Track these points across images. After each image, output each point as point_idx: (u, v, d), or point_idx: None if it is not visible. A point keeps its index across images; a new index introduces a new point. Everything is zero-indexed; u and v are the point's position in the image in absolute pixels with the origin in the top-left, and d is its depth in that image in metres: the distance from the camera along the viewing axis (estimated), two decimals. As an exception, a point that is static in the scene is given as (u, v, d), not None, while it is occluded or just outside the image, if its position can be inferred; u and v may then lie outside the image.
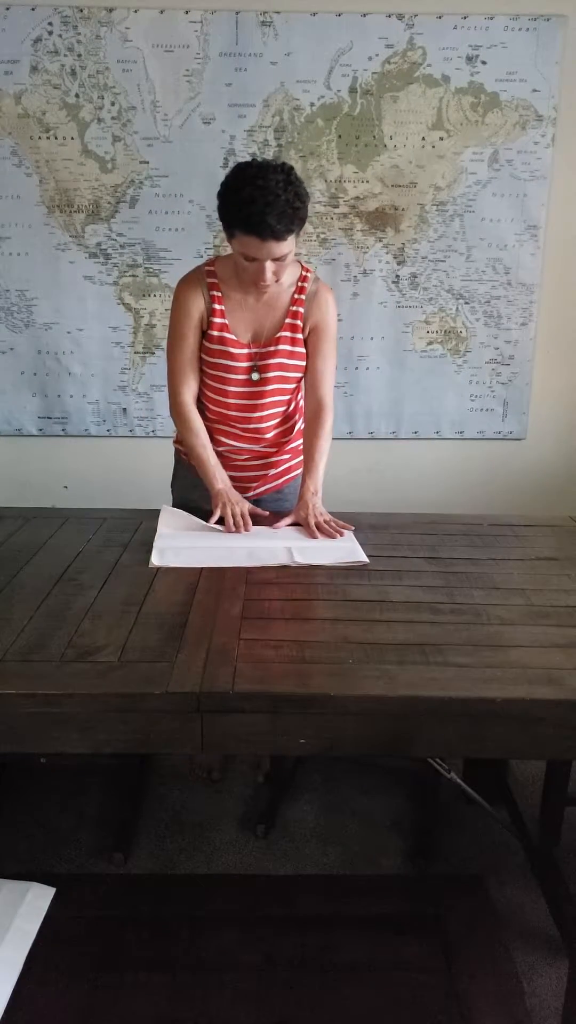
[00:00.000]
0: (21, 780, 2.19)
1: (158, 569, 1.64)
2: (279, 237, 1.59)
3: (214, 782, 2.20)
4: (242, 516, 1.81)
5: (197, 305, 1.80)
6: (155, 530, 1.84)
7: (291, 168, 1.62)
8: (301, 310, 1.81)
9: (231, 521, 1.80)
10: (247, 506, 1.85)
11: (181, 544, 1.75)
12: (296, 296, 1.81)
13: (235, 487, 1.96)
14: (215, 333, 1.81)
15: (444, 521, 1.95)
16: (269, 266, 1.65)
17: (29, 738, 1.24)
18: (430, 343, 2.81)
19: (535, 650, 1.32)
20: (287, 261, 1.67)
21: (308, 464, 1.88)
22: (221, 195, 1.63)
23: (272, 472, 1.99)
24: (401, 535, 1.85)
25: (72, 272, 2.69)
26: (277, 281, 1.71)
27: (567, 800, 1.87)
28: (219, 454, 1.93)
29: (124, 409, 2.85)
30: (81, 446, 2.90)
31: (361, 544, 1.77)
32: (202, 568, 1.64)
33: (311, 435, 1.89)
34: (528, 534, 1.86)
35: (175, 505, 2.01)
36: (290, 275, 1.78)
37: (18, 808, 2.10)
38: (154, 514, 1.97)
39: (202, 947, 1.60)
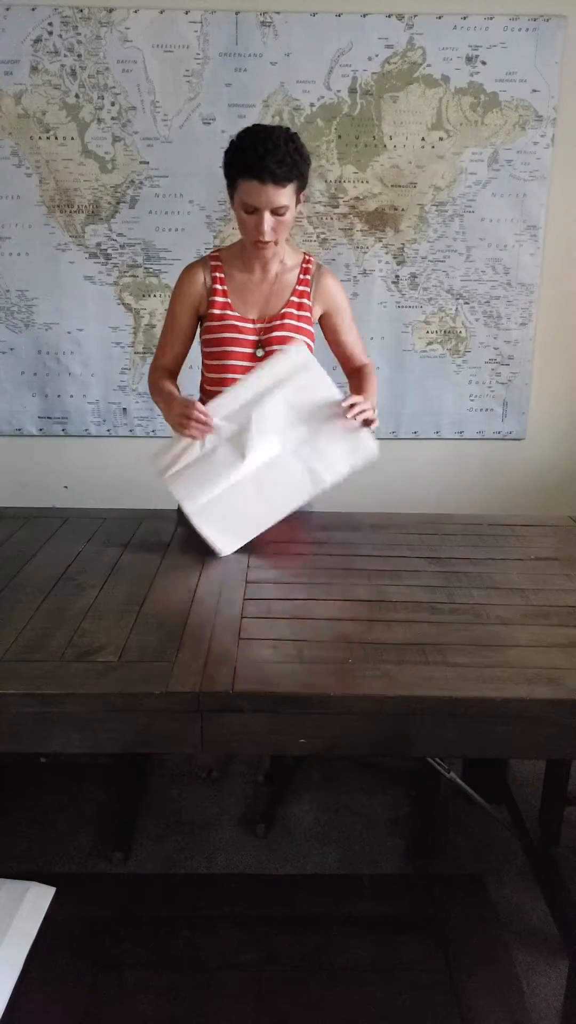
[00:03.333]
0: (21, 780, 2.20)
1: (158, 569, 1.64)
2: (278, 181, 1.63)
3: (214, 781, 2.21)
4: (197, 414, 1.70)
5: (195, 287, 1.84)
6: (155, 530, 1.84)
7: (296, 133, 1.70)
8: (308, 289, 1.86)
9: (195, 426, 1.70)
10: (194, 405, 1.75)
11: (218, 514, 1.72)
12: (302, 277, 1.86)
13: None
14: (217, 311, 1.83)
15: (444, 521, 1.95)
16: (268, 219, 1.67)
17: (29, 738, 1.24)
18: (430, 343, 2.81)
19: (535, 650, 1.32)
20: (286, 219, 1.71)
21: (361, 388, 1.86)
22: (226, 151, 1.70)
23: None
24: (401, 535, 1.85)
25: (72, 272, 2.69)
26: (276, 243, 1.74)
27: (567, 800, 1.87)
28: None
29: (124, 409, 2.85)
30: (81, 446, 2.90)
31: (361, 543, 1.77)
32: (202, 568, 1.64)
33: (359, 378, 1.91)
34: (528, 534, 1.86)
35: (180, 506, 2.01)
36: (293, 258, 1.86)
37: (18, 808, 2.10)
38: (154, 514, 1.97)
39: (202, 947, 1.60)
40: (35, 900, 1.52)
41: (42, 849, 1.97)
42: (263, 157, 1.61)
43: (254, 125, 1.71)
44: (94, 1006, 1.47)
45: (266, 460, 1.72)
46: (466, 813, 2.07)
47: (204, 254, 1.91)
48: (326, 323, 1.92)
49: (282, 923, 1.68)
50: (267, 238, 1.71)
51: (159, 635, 1.36)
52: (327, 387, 1.73)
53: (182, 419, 1.70)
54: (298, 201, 1.73)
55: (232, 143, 1.69)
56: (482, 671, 1.25)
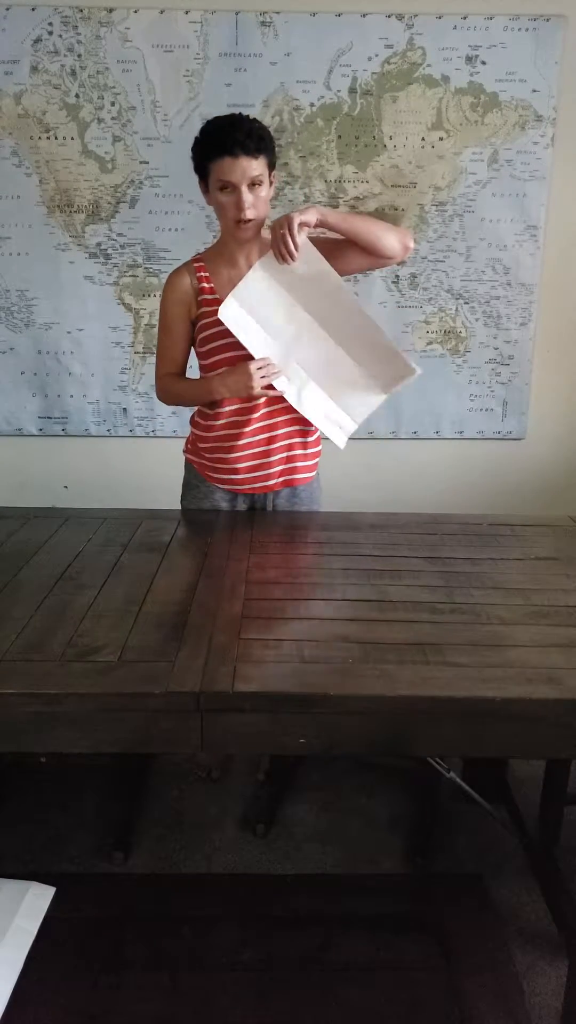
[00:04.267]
0: (21, 780, 2.20)
1: (158, 569, 1.64)
2: (249, 152, 1.67)
3: (214, 781, 2.21)
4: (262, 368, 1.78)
5: (183, 290, 1.85)
6: (155, 530, 1.84)
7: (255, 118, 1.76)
8: None
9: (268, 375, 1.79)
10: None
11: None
12: None
13: (255, 477, 1.96)
14: (208, 308, 1.83)
15: (444, 521, 1.95)
16: (246, 194, 1.70)
17: (29, 738, 1.25)
18: (430, 343, 2.81)
19: (535, 650, 1.32)
20: (263, 195, 1.73)
21: None
22: (193, 147, 1.75)
23: (288, 466, 1.97)
24: (401, 535, 1.85)
25: (72, 272, 2.69)
26: (257, 223, 1.76)
27: (567, 800, 1.87)
28: (239, 446, 1.92)
29: (124, 409, 2.85)
30: (81, 446, 2.90)
31: (361, 543, 1.77)
32: (202, 568, 1.64)
33: None
34: (528, 534, 1.86)
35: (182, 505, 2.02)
36: None
37: (18, 808, 2.10)
38: (154, 514, 1.98)
39: (202, 947, 1.60)
40: (35, 900, 1.52)
41: (42, 849, 1.97)
42: (230, 132, 1.66)
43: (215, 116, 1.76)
44: (94, 1006, 1.47)
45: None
46: (466, 813, 2.07)
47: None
48: (338, 260, 1.82)
49: (282, 923, 1.68)
50: (249, 215, 1.72)
51: (159, 635, 1.36)
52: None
53: (252, 382, 1.76)
54: (271, 181, 1.76)
55: (196, 138, 1.74)
56: (482, 671, 1.25)
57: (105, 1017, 1.46)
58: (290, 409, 1.89)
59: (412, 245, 1.86)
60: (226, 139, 1.66)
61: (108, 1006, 1.48)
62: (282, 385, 1.83)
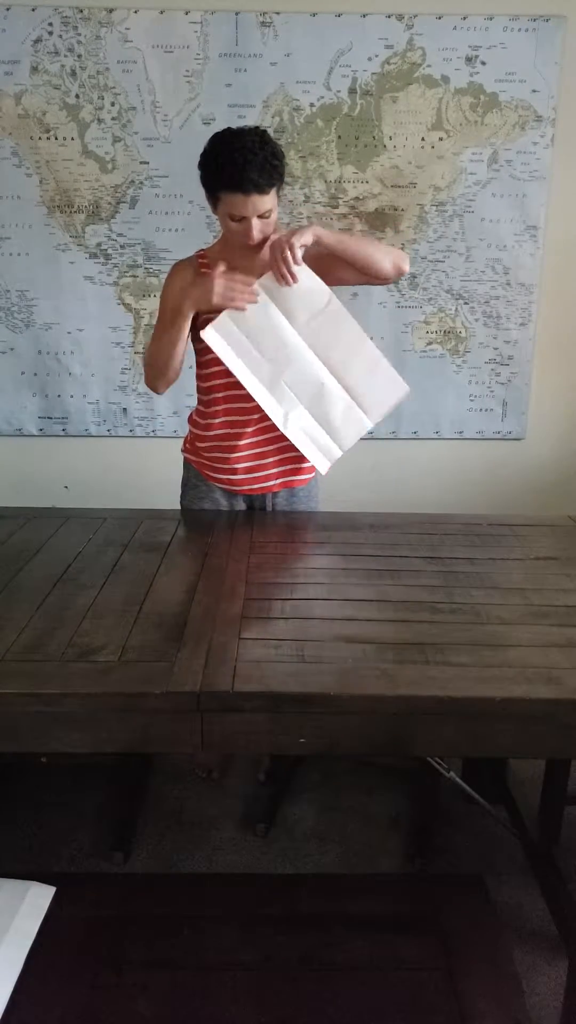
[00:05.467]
0: (21, 780, 2.20)
1: (158, 569, 1.64)
2: (261, 190, 1.65)
3: (214, 781, 2.21)
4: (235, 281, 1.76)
5: (185, 283, 1.84)
6: (155, 530, 1.84)
7: (264, 131, 1.71)
8: None
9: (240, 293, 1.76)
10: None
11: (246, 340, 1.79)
12: None
13: (254, 478, 1.96)
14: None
15: (444, 521, 1.95)
16: (256, 224, 1.70)
17: (29, 738, 1.25)
18: (429, 343, 2.81)
19: (535, 650, 1.32)
20: (272, 219, 1.73)
21: None
22: (202, 164, 1.70)
23: (287, 467, 1.98)
24: (401, 535, 1.85)
25: (72, 272, 2.69)
26: (263, 240, 1.76)
27: (567, 799, 1.87)
28: (239, 447, 1.93)
29: (124, 409, 2.85)
30: (81, 446, 2.90)
31: (361, 543, 1.77)
32: (202, 568, 1.64)
33: None
34: (528, 534, 1.86)
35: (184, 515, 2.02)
36: None
37: (18, 808, 2.10)
38: (154, 514, 1.98)
39: (202, 947, 1.60)
40: (35, 900, 1.52)
41: (42, 849, 1.97)
42: (243, 169, 1.62)
43: (224, 132, 1.69)
44: (94, 1006, 1.47)
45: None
46: (466, 813, 2.07)
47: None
48: (330, 274, 1.83)
49: (282, 923, 1.68)
50: (257, 239, 1.73)
51: (159, 635, 1.36)
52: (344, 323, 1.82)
53: (213, 293, 1.73)
54: (279, 197, 1.74)
55: (207, 154, 1.68)
56: (482, 671, 1.25)
57: (105, 1017, 1.46)
58: None
59: (407, 269, 1.87)
60: (240, 178, 1.62)
61: (108, 1006, 1.47)
62: (269, 405, 1.83)
